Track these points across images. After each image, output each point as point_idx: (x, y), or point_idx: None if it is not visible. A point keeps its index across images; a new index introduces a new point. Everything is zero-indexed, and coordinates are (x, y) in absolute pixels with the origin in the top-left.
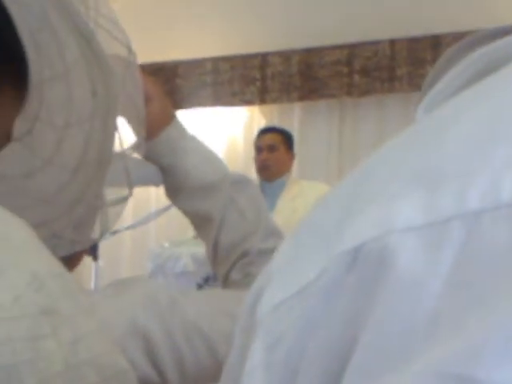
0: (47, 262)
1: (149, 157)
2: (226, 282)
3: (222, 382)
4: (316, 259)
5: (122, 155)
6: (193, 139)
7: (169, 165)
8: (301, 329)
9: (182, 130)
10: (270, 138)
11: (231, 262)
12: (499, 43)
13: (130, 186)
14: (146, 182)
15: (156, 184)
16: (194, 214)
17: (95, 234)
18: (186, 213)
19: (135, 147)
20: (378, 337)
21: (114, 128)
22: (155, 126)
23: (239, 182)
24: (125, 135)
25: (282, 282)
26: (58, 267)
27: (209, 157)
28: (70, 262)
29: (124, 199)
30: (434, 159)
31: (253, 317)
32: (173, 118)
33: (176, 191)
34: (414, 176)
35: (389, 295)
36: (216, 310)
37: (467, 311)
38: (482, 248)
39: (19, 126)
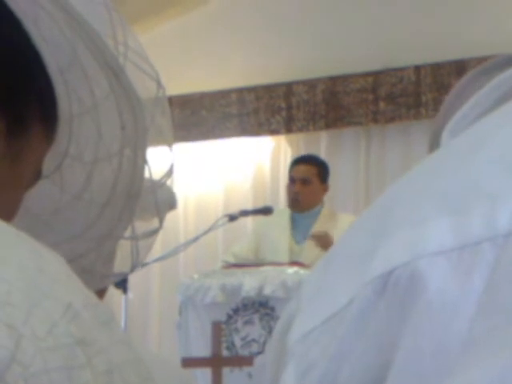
0: (81, 293)
1: None
2: None
3: None
4: (346, 286)
5: (152, 188)
6: None
7: None
8: (332, 355)
9: None
10: (304, 171)
11: None
12: None
13: (161, 219)
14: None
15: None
16: None
17: (126, 267)
18: None
19: (164, 179)
20: (411, 359)
21: (144, 161)
22: None
23: None
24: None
25: (312, 310)
26: (92, 298)
27: None
28: (97, 293)
29: (154, 232)
30: (462, 183)
31: (283, 345)
32: None
33: None
34: (442, 200)
35: (421, 319)
36: None
37: (499, 334)
38: None
39: (48, 162)
